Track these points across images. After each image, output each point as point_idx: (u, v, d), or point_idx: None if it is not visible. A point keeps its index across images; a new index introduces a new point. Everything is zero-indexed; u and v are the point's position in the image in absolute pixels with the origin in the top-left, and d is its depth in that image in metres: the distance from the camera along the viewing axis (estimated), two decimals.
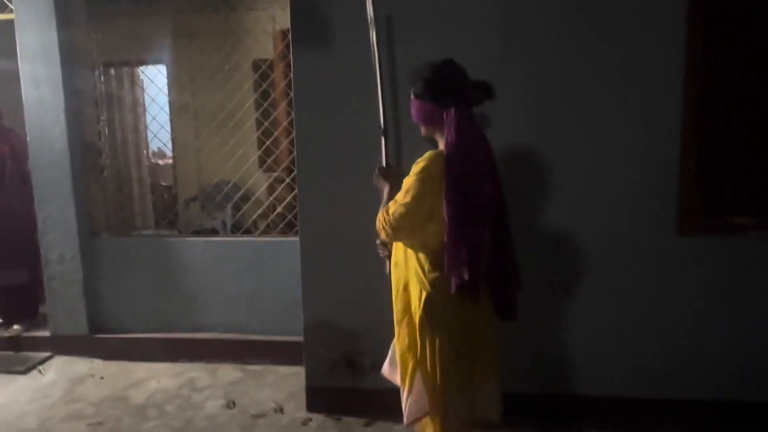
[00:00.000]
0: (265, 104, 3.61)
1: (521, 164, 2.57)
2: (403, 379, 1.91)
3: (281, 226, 3.55)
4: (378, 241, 2.15)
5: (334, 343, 2.84)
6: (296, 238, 2.98)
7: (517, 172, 2.50)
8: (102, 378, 3.44)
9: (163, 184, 5.73)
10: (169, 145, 4.94)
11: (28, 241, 3.81)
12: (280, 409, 2.94)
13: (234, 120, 3.78)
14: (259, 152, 3.71)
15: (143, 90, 4.87)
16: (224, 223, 4.74)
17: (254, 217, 3.69)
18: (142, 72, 4.79)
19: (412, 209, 1.76)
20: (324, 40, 2.61)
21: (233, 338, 3.58)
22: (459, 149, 1.73)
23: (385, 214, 1.83)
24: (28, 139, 3.65)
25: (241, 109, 3.78)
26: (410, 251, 1.87)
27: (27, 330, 3.93)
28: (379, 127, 2.26)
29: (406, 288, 1.90)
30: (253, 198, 3.73)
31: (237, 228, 3.83)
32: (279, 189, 3.61)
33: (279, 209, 3.57)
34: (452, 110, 1.75)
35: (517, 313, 1.95)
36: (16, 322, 3.96)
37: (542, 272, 2.59)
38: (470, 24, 2.52)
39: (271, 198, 3.67)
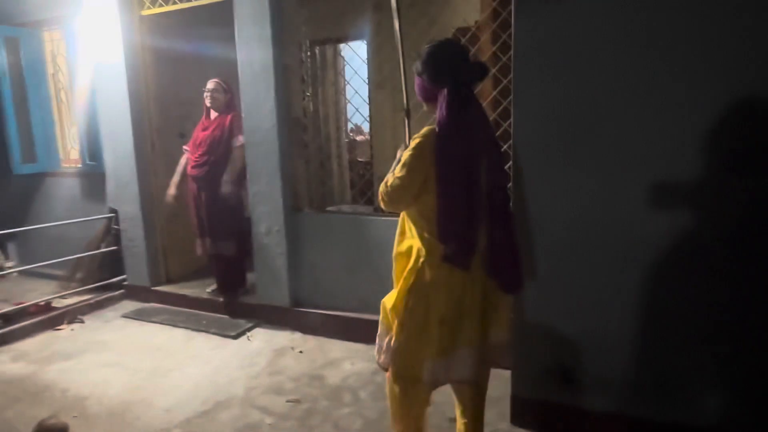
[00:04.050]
0: None
1: None
2: (389, 330, 2.02)
3: None
4: None
5: (548, 350, 2.44)
6: None
7: None
8: (301, 352, 3.49)
9: (360, 160, 5.76)
10: (367, 120, 4.89)
11: (235, 214, 4.05)
12: None
13: None
14: None
15: (345, 65, 4.88)
16: None
17: None
18: (345, 47, 4.79)
19: (406, 182, 1.85)
20: None
21: None
22: (448, 127, 1.80)
23: (384, 185, 1.92)
24: (242, 115, 3.81)
25: None
26: (411, 219, 1.96)
27: (238, 297, 4.19)
28: (404, 108, 2.24)
29: (406, 254, 1.98)
30: None
31: None
32: None
33: None
34: (445, 89, 1.81)
35: (522, 287, 2.00)
36: (227, 290, 4.25)
37: None
38: None
39: None
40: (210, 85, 4.08)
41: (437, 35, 3.52)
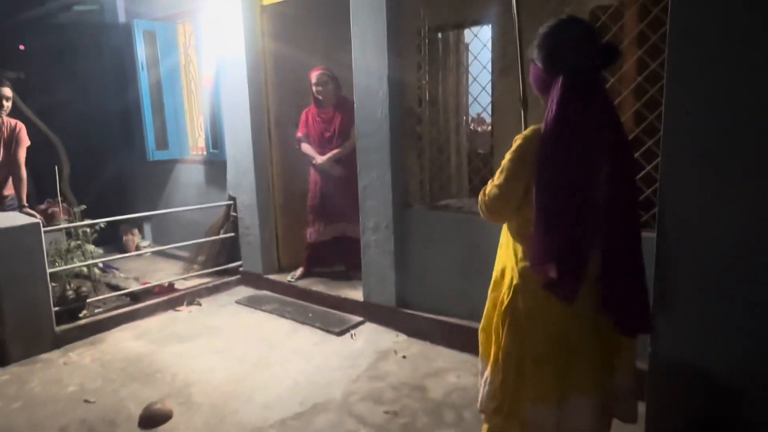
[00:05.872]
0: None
1: None
2: (486, 363, 1.79)
3: None
4: None
5: (695, 396, 2.00)
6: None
7: None
8: (404, 357, 3.29)
9: (480, 152, 5.41)
10: (488, 111, 4.53)
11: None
12: None
13: None
14: None
15: (467, 52, 4.56)
16: None
17: None
18: (468, 33, 4.46)
19: (504, 191, 1.62)
20: None
21: None
22: (556, 125, 1.49)
23: (482, 193, 1.71)
24: (355, 106, 3.67)
25: None
26: (511, 235, 1.71)
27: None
28: (519, 98, 1.95)
29: (503, 273, 1.73)
30: None
31: None
32: None
33: None
34: (560, 78, 1.49)
35: (651, 325, 1.67)
36: (353, 268, 4.26)
37: None
38: None
39: None
40: (315, 78, 4.05)
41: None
